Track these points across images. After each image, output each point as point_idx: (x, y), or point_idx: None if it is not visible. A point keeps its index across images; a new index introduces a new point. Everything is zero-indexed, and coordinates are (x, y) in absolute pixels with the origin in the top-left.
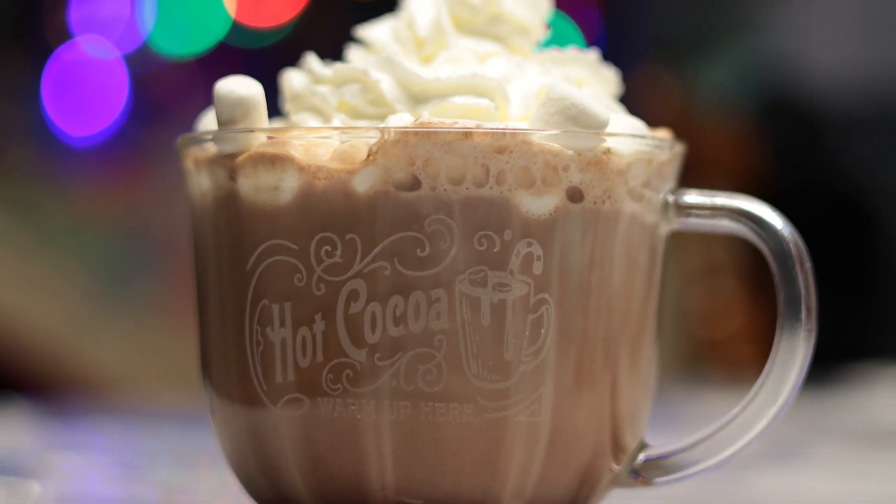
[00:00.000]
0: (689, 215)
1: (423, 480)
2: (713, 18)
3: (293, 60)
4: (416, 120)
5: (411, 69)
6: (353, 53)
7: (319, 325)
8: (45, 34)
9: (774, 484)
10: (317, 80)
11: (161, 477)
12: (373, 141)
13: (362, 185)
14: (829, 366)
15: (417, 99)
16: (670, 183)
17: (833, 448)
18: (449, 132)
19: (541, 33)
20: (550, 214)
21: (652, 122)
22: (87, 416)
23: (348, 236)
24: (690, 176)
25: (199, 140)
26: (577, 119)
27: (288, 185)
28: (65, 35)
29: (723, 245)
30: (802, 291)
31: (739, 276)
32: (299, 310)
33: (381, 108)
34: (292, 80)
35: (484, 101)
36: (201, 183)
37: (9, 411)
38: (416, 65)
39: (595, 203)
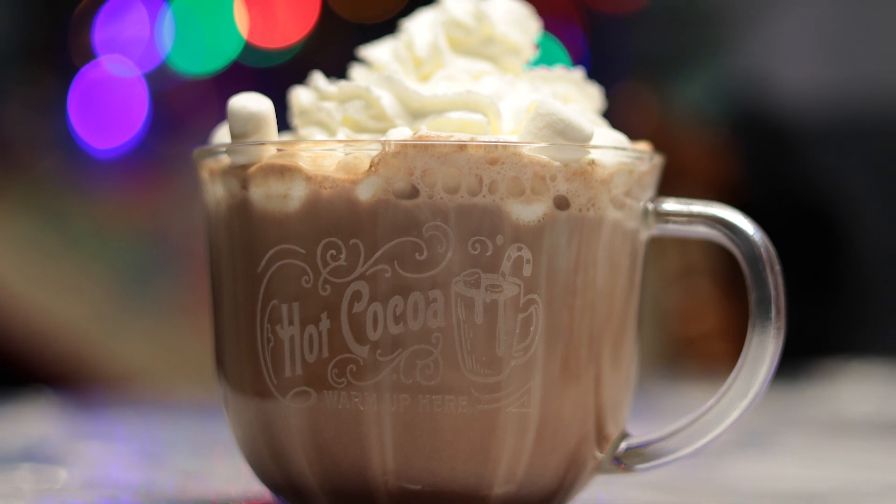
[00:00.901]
0: (667, 222)
1: (421, 467)
2: (689, 40)
3: (301, 78)
4: (414, 133)
5: (410, 87)
6: (356, 72)
7: (325, 324)
8: (72, 54)
9: (746, 470)
10: (323, 96)
11: (178, 464)
12: (375, 153)
13: (365, 193)
14: (796, 361)
15: (416, 114)
16: (650, 192)
17: (800, 437)
18: (445, 145)
19: (530, 53)
20: (539, 221)
21: (633, 136)
22: (110, 408)
23: (352, 241)
24: (668, 185)
25: (213, 152)
26: (563, 133)
27: (296, 194)
28: (89, 55)
29: (699, 249)
30: (772, 292)
31: (714, 278)
32: (306, 309)
33: (382, 122)
34: (300, 96)
35: (477, 116)
36: (216, 191)
37: (38, 403)
38: (414, 83)
39: (580, 210)
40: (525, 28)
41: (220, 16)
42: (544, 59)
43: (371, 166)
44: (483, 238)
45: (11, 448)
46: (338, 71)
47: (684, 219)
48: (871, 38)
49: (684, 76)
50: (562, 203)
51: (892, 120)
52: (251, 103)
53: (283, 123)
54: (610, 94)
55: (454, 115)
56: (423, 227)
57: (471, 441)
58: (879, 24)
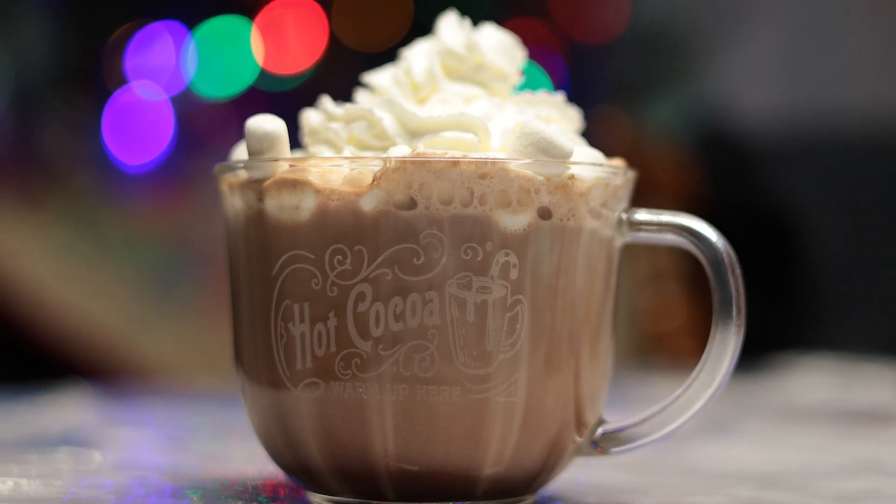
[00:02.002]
0: (639, 230)
1: (418, 450)
2: (659, 67)
3: (311, 101)
4: (412, 151)
5: (409, 109)
6: (360, 96)
7: (332, 322)
8: (105, 80)
9: (710, 453)
10: (330, 117)
11: (201, 448)
12: (377, 168)
13: (368, 205)
14: (755, 355)
15: (414, 133)
16: (624, 203)
17: (759, 423)
18: (440, 161)
19: (516, 79)
20: (524, 229)
21: (608, 153)
22: (140, 397)
23: (356, 247)
24: (640, 197)
25: (232, 168)
26: (546, 150)
27: (306, 205)
28: (121, 80)
29: (668, 255)
30: (733, 293)
31: (681, 281)
32: (316, 308)
33: (383, 141)
34: (310, 117)
35: (469, 136)
36: (234, 203)
37: (75, 393)
38: (412, 105)
39: (561, 220)
40: (511, 57)
41: (239, 45)
42: (529, 85)
43: (374, 180)
44: (474, 245)
45: (51, 433)
46: (344, 95)
47: (655, 227)
48: (820, 67)
49: (655, 100)
50: (545, 213)
51: (840, 138)
52: (266, 124)
53: (295, 142)
54: (588, 116)
55: (448, 135)
56: (420, 235)
57: (463, 427)
58: (827, 54)
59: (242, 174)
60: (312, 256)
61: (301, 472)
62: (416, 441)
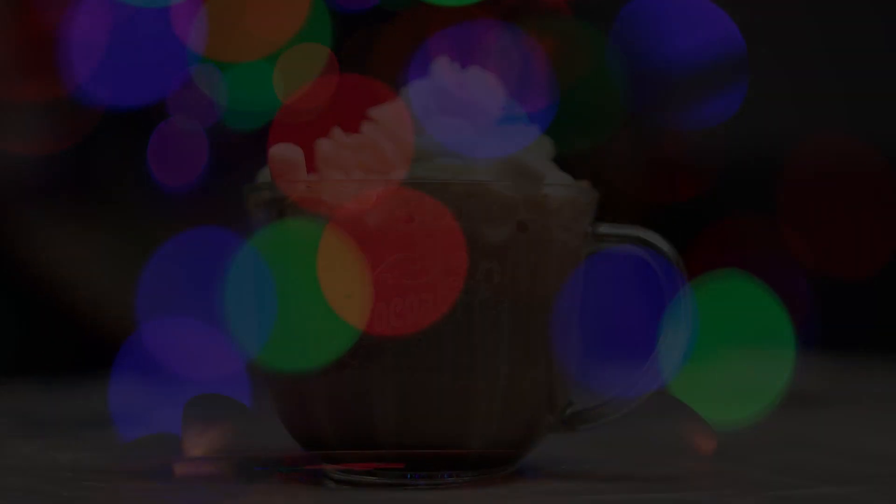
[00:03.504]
0: (602, 241)
1: (415, 427)
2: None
3: (324, 133)
4: (410, 174)
5: (407, 139)
6: (366, 127)
7: None
8: (151, 114)
9: (663, 430)
10: (341, 146)
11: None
12: (381, 189)
13: (373, 220)
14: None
15: (412, 160)
16: (589, 218)
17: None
18: (434, 183)
19: (498, 113)
20: (505, 241)
21: (576, 176)
22: (180, 382)
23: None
24: (603, 213)
25: (258, 188)
26: (523, 174)
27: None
28: (164, 115)
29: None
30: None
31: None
32: None
33: (386, 166)
34: (323, 146)
35: (458, 161)
36: (259, 219)
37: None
38: (410, 136)
39: (536, 233)
40: (494, 94)
41: (263, 85)
42: (509, 118)
43: (378, 199)
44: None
45: (106, 411)
46: (353, 127)
47: (615, 239)
48: (753, 107)
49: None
50: (522, 227)
51: (767, 161)
52: (287, 151)
53: (311, 167)
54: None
55: (441, 160)
56: (416, 246)
57: (453, 408)
58: (758, 95)
59: (266, 194)
60: None
61: (315, 446)
62: (413, 420)
